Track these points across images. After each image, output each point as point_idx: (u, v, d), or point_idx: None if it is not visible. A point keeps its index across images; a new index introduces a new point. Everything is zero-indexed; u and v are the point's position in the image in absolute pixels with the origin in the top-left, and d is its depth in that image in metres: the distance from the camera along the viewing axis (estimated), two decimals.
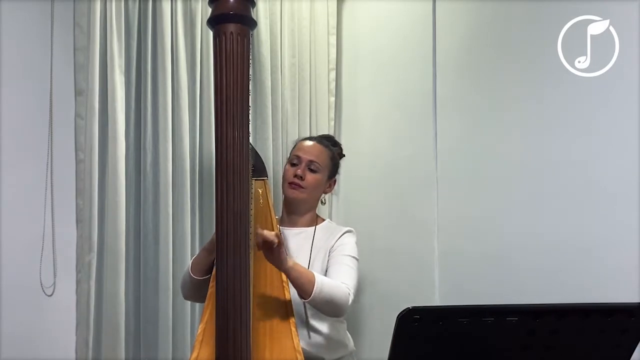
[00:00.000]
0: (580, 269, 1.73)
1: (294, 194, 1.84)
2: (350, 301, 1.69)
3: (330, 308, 1.66)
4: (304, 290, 1.59)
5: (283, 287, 1.61)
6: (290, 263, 1.57)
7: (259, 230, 1.51)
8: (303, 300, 1.62)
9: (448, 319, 1.07)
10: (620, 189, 1.66)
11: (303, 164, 1.84)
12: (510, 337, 1.09)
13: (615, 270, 1.66)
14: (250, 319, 1.35)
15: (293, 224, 1.90)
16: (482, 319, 1.07)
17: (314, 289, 1.58)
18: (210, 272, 1.68)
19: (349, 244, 1.83)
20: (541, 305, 1.10)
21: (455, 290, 2.07)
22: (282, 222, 1.92)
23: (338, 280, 1.70)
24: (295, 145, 1.95)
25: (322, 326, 1.78)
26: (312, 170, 1.85)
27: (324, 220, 1.95)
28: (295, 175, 1.82)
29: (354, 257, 1.81)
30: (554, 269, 1.79)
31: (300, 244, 1.85)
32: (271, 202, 1.82)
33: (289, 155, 1.96)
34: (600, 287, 1.66)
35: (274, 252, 1.52)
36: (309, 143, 1.91)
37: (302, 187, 1.83)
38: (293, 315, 1.57)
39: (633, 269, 1.61)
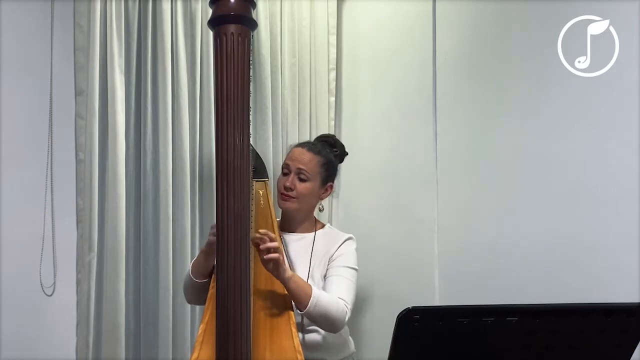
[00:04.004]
0: (580, 269, 1.73)
1: (286, 205, 1.82)
2: (347, 318, 1.67)
3: (325, 322, 1.65)
4: (300, 302, 1.59)
5: (283, 287, 1.61)
6: (289, 274, 1.57)
7: (259, 236, 1.52)
8: (299, 312, 1.61)
9: (448, 319, 1.07)
10: (621, 189, 1.66)
11: (292, 174, 1.82)
12: (510, 337, 1.09)
13: (615, 270, 1.66)
14: (250, 319, 1.34)
15: (292, 230, 1.89)
16: (482, 319, 1.07)
17: (310, 302, 1.58)
18: (211, 275, 1.68)
19: (349, 254, 1.81)
20: (541, 305, 1.10)
21: (455, 290, 2.08)
22: (281, 227, 1.89)
23: (336, 294, 1.68)
24: (289, 151, 1.91)
25: (324, 333, 1.76)
26: (301, 180, 1.81)
27: (323, 225, 1.93)
28: (285, 187, 1.81)
29: (353, 268, 1.79)
30: (554, 269, 1.79)
31: (300, 250, 1.83)
32: (272, 203, 1.82)
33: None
34: (600, 287, 1.66)
35: (274, 263, 1.53)
36: (299, 150, 1.86)
37: (293, 198, 1.81)
38: (293, 316, 1.57)
39: (633, 269, 1.61)
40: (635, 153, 1.63)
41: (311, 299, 1.58)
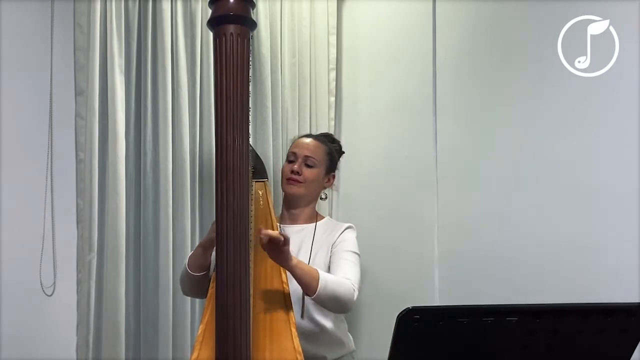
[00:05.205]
0: (580, 269, 1.73)
1: (292, 189, 1.86)
2: (355, 296, 1.69)
3: (335, 303, 1.66)
4: (309, 287, 1.60)
5: (283, 287, 1.61)
6: (294, 261, 1.58)
7: (264, 230, 1.51)
8: (308, 296, 1.62)
9: (448, 319, 1.07)
10: (621, 189, 1.66)
11: (299, 160, 1.86)
12: (510, 337, 1.09)
13: (615, 270, 1.66)
14: (250, 319, 1.34)
15: (293, 221, 1.91)
16: (482, 319, 1.07)
17: (319, 285, 1.59)
18: (208, 269, 1.69)
19: (350, 240, 1.85)
20: (541, 305, 1.10)
21: (455, 290, 2.08)
22: (282, 219, 1.93)
23: (342, 276, 1.71)
24: (292, 143, 1.97)
25: (323, 325, 1.78)
26: (308, 166, 1.86)
27: (323, 217, 1.97)
28: (292, 171, 1.84)
29: (355, 252, 1.82)
30: (554, 269, 1.79)
31: (301, 240, 1.86)
32: (271, 203, 1.82)
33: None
34: (600, 287, 1.66)
35: (280, 250, 1.52)
36: (304, 140, 1.93)
37: (300, 182, 1.85)
38: (293, 316, 1.57)
39: (633, 269, 1.61)
40: (635, 153, 1.63)
41: (319, 282, 1.59)
